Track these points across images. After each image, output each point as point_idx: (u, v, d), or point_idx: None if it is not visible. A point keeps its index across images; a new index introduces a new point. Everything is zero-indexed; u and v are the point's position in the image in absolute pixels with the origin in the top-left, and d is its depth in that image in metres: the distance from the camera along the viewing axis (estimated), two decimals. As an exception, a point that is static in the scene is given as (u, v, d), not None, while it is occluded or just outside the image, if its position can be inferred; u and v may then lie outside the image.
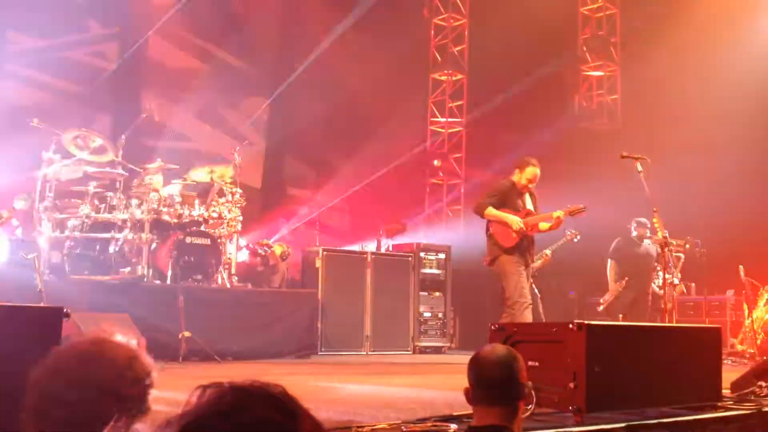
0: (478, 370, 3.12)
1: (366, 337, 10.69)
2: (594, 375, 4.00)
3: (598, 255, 11.16)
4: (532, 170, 7.64)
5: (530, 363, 4.31)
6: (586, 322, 4.12)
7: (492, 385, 3.05)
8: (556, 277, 11.77)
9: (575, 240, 9.70)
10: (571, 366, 4.02)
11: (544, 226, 7.64)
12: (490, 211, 7.54)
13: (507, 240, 7.49)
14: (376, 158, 14.11)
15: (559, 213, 7.52)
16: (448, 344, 11.78)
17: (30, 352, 2.94)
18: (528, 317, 7.32)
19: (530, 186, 7.71)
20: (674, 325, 7.54)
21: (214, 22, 13.33)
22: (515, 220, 7.44)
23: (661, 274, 10.62)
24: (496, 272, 7.69)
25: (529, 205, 7.73)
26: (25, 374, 1.99)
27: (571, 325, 4.13)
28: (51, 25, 11.57)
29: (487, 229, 7.69)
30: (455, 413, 4.15)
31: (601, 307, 10.83)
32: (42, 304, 6.06)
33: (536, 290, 10.06)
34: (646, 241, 10.86)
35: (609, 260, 10.98)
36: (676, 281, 10.77)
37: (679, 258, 10.82)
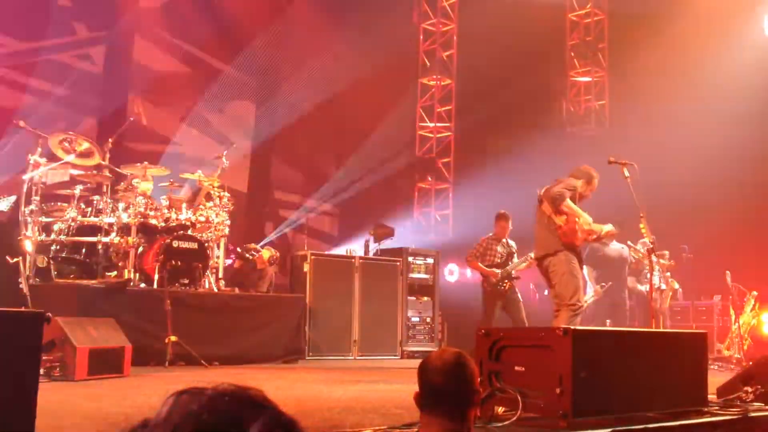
0: (423, 375, 2.98)
1: (354, 341, 10.66)
2: (580, 380, 3.99)
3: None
4: (596, 181, 7.53)
5: (517, 368, 4.32)
6: (572, 327, 4.11)
7: (436, 391, 2.91)
8: (540, 281, 11.78)
9: None
10: (558, 371, 4.01)
11: (591, 237, 7.55)
12: (570, 203, 7.28)
13: (575, 237, 7.26)
14: (365, 162, 14.11)
15: (609, 227, 7.49)
16: (437, 349, 11.76)
17: (11, 356, 2.92)
18: (577, 324, 7.03)
19: (590, 196, 7.60)
20: (660, 330, 7.55)
21: (201, 27, 13.30)
22: (589, 220, 7.31)
23: (654, 277, 10.70)
24: (549, 268, 7.38)
25: None
26: (5, 378, 1.97)
27: (557, 330, 4.13)
28: (38, 28, 11.51)
29: (551, 222, 7.37)
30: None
31: None
32: (24, 308, 6.02)
33: (518, 294, 10.07)
34: (616, 244, 10.91)
35: (584, 266, 11.01)
36: (664, 286, 10.81)
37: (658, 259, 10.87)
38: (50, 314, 3.08)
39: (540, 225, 7.54)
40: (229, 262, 10.71)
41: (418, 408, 2.99)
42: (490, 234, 10.29)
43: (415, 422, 4.18)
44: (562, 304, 7.20)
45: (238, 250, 10.95)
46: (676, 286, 10.95)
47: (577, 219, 7.29)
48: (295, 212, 13.96)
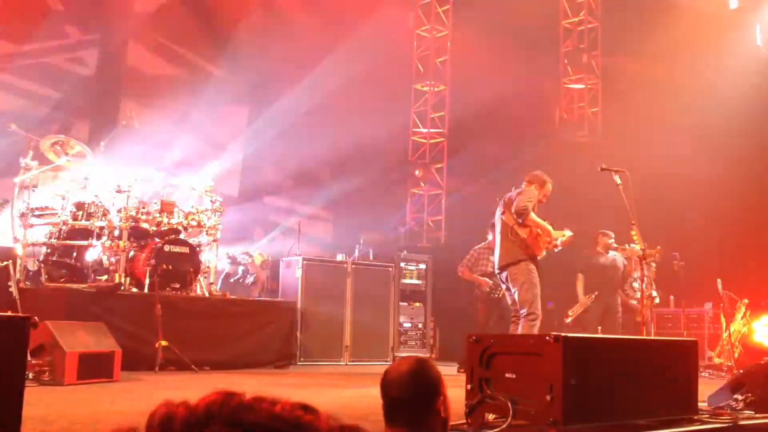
0: (381, 387, 2.94)
1: (345, 347, 10.64)
2: (570, 387, 3.98)
3: (576, 266, 11.21)
4: (550, 187, 7.65)
5: (507, 375, 4.31)
6: (563, 334, 4.10)
7: (393, 403, 2.87)
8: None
9: (555, 250, 9.44)
10: (548, 378, 4.01)
11: (552, 244, 7.62)
12: (534, 216, 7.42)
13: (537, 248, 7.42)
14: (358, 168, 14.09)
15: (568, 234, 7.55)
16: (429, 355, 11.75)
17: (-3, 361, 2.90)
18: (536, 332, 7.15)
19: (543, 201, 7.70)
20: (651, 338, 7.55)
21: (194, 30, 13.29)
22: (552, 231, 7.42)
23: (635, 285, 10.72)
24: (510, 276, 7.53)
25: None
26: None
27: (548, 338, 4.12)
28: (30, 31, 11.48)
29: (514, 233, 7.50)
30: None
31: (569, 319, 10.88)
32: (10, 313, 5.98)
33: None
34: (613, 252, 10.92)
35: (577, 273, 11.03)
36: (654, 293, 10.83)
37: (649, 266, 10.87)
38: (37, 319, 3.06)
39: (503, 235, 7.68)
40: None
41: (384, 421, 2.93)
42: (484, 243, 10.27)
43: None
44: (522, 313, 7.35)
45: (230, 254, 10.94)
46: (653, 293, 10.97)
47: (539, 231, 7.39)
48: (287, 217, 13.93)
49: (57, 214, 8.88)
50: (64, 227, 8.85)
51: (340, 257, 11.37)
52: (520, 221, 7.44)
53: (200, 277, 9.26)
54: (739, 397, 5.17)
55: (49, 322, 6.33)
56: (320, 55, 13.75)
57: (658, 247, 10.33)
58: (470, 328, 9.65)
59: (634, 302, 10.87)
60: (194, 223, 9.44)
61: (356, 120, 14.17)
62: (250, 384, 7.28)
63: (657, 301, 11.15)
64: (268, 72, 13.84)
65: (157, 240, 8.97)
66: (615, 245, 10.86)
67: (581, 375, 4.07)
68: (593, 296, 10.74)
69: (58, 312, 7.43)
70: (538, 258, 7.51)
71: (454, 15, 15.38)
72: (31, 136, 8.89)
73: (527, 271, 7.38)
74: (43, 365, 6.13)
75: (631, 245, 8.60)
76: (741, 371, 6.18)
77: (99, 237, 8.88)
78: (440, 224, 15.15)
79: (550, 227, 7.47)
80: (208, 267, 9.68)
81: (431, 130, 15.39)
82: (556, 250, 7.86)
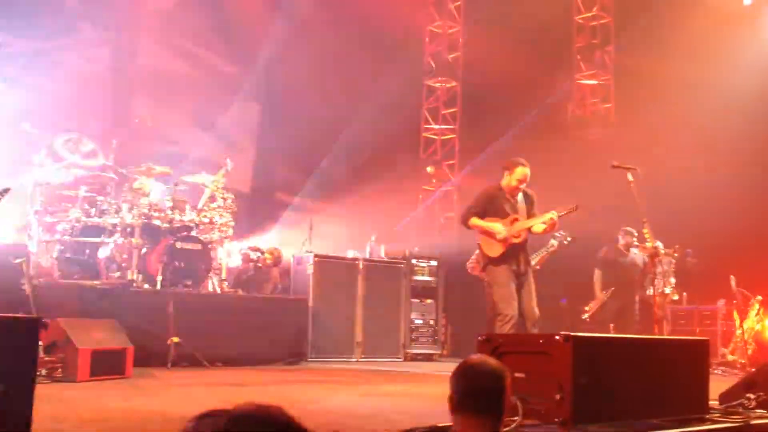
0: (470, 377, 3.03)
1: (357, 344, 10.65)
2: (580, 387, 3.98)
3: (591, 263, 11.18)
4: (522, 170, 7.38)
5: (517, 374, 4.30)
6: (572, 333, 4.10)
7: (484, 394, 2.97)
8: (548, 284, 11.73)
9: (566, 242, 9.24)
10: (558, 378, 4.00)
11: (538, 228, 7.37)
12: (474, 221, 7.42)
13: (493, 249, 7.36)
14: (369, 164, 14.08)
15: (552, 214, 7.27)
16: (440, 352, 11.75)
17: (7, 362, 2.93)
18: (507, 331, 7.07)
19: (521, 187, 7.45)
20: (662, 337, 7.53)
21: (207, 28, 13.31)
22: (498, 230, 7.29)
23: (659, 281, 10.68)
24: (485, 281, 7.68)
25: (521, 207, 7.47)
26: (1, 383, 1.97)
27: (557, 337, 4.11)
28: (43, 29, 11.53)
29: (479, 238, 7.62)
30: (440, 424, 4.11)
31: (585, 315, 10.85)
32: (22, 313, 6.02)
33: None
34: (634, 250, 10.89)
35: (595, 269, 11.00)
36: (667, 290, 10.80)
37: (670, 262, 10.84)
38: (47, 321, 3.08)
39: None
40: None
41: (452, 411, 3.00)
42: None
43: (414, 427, 4.18)
44: (494, 313, 7.37)
45: (242, 251, 10.96)
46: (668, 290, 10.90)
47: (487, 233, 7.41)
48: (298, 213, 13.94)
49: (70, 211, 8.92)
50: (77, 224, 8.90)
51: (351, 254, 11.37)
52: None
53: (212, 274, 9.30)
54: (752, 396, 5.14)
55: (61, 319, 6.38)
56: (332, 52, 13.75)
57: (677, 246, 10.32)
58: (482, 324, 9.64)
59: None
60: (206, 220, 9.48)
61: (367, 116, 14.16)
62: (261, 381, 7.31)
63: (675, 297, 11.11)
64: (281, 69, 13.84)
65: (169, 237, 9.01)
66: (636, 243, 10.83)
67: (591, 374, 4.07)
68: (609, 292, 10.72)
69: (70, 309, 7.49)
70: (497, 256, 7.38)
71: (465, 11, 15.32)
72: (44, 133, 8.93)
73: (492, 273, 7.43)
74: (55, 362, 6.18)
75: (645, 243, 8.57)
76: (754, 369, 6.14)
77: (112, 234, 8.92)
78: (452, 221, 15.13)
79: (494, 226, 7.32)
80: (220, 264, 9.70)
81: (443, 127, 15.37)
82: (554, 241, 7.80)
